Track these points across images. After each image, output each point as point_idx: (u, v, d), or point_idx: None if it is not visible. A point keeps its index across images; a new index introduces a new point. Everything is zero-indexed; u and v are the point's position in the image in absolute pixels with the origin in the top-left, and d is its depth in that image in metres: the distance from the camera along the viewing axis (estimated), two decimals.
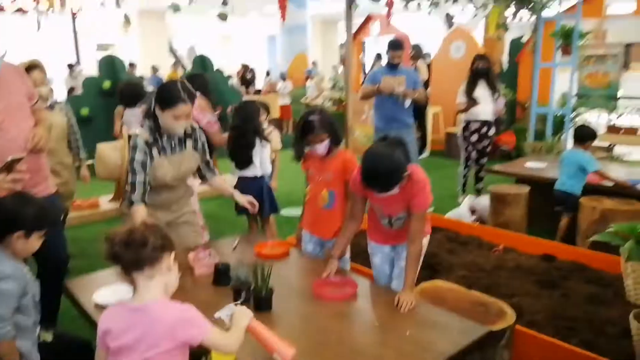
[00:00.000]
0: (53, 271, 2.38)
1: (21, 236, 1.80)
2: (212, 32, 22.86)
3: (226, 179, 2.79)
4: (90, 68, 12.97)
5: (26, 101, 2.30)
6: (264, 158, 3.49)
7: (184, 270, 1.55)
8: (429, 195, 2.15)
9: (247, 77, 12.92)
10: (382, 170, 2.00)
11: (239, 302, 1.62)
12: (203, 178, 2.71)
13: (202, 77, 3.94)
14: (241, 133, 3.42)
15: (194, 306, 1.44)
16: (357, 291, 2.04)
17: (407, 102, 4.68)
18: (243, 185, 3.36)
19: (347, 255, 2.67)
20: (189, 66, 17.24)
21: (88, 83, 4.71)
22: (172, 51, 15.82)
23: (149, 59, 15.82)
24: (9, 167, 1.97)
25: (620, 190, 3.71)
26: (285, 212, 5.13)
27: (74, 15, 10.88)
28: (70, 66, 11.37)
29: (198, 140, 2.57)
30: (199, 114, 3.39)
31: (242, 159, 3.43)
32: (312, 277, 2.31)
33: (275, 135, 3.84)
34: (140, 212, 2.30)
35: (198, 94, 3.20)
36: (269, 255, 2.44)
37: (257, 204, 2.48)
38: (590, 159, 3.72)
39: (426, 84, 6.49)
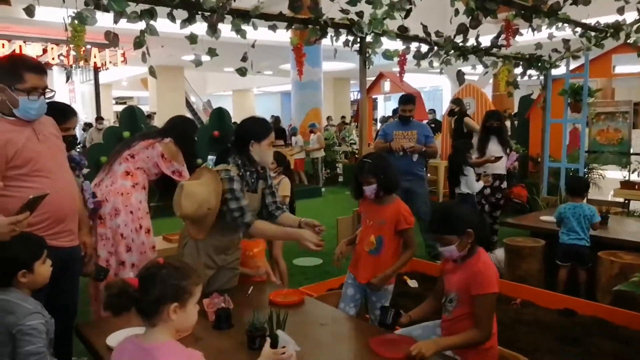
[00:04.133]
0: (61, 318, 2.34)
1: (25, 273, 1.80)
2: (227, 86, 23.67)
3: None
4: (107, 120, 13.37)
5: (62, 145, 2.30)
6: (470, 180, 4.76)
7: (198, 315, 1.53)
8: (493, 281, 1.98)
9: (282, 128, 13.77)
10: (446, 210, 2.17)
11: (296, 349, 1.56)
12: (271, 216, 2.68)
13: (190, 123, 3.44)
14: (455, 164, 4.91)
15: (202, 354, 1.40)
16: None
17: (415, 156, 4.77)
18: (459, 199, 4.82)
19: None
20: (204, 119, 17.81)
21: (109, 132, 4.88)
22: (189, 104, 16.34)
23: (166, 112, 16.35)
24: (31, 205, 1.76)
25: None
26: (298, 261, 5.10)
27: (97, 69, 11.33)
28: (98, 119, 11.23)
29: (267, 180, 2.66)
30: (164, 162, 3.04)
31: (454, 180, 4.86)
32: (326, 326, 2.26)
33: (285, 183, 3.97)
34: (266, 225, 2.48)
35: (169, 140, 3.10)
36: (284, 303, 2.41)
37: (322, 244, 2.38)
38: (595, 210, 3.79)
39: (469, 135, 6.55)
